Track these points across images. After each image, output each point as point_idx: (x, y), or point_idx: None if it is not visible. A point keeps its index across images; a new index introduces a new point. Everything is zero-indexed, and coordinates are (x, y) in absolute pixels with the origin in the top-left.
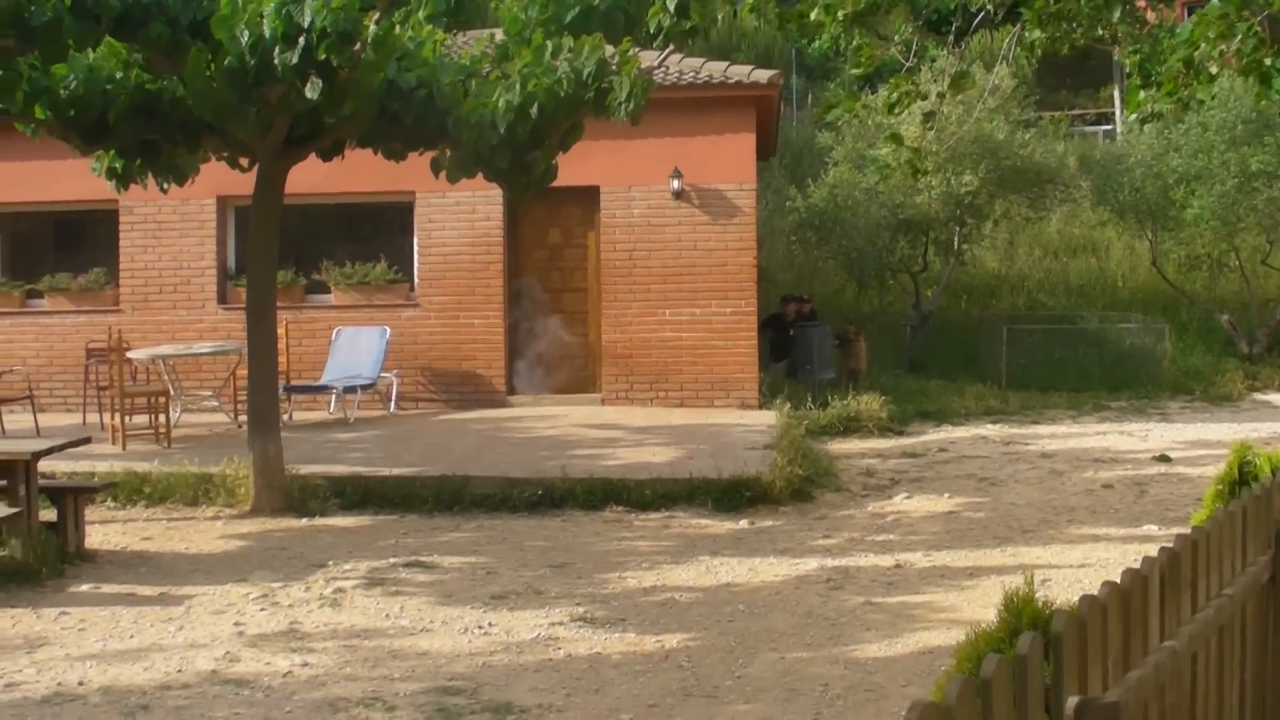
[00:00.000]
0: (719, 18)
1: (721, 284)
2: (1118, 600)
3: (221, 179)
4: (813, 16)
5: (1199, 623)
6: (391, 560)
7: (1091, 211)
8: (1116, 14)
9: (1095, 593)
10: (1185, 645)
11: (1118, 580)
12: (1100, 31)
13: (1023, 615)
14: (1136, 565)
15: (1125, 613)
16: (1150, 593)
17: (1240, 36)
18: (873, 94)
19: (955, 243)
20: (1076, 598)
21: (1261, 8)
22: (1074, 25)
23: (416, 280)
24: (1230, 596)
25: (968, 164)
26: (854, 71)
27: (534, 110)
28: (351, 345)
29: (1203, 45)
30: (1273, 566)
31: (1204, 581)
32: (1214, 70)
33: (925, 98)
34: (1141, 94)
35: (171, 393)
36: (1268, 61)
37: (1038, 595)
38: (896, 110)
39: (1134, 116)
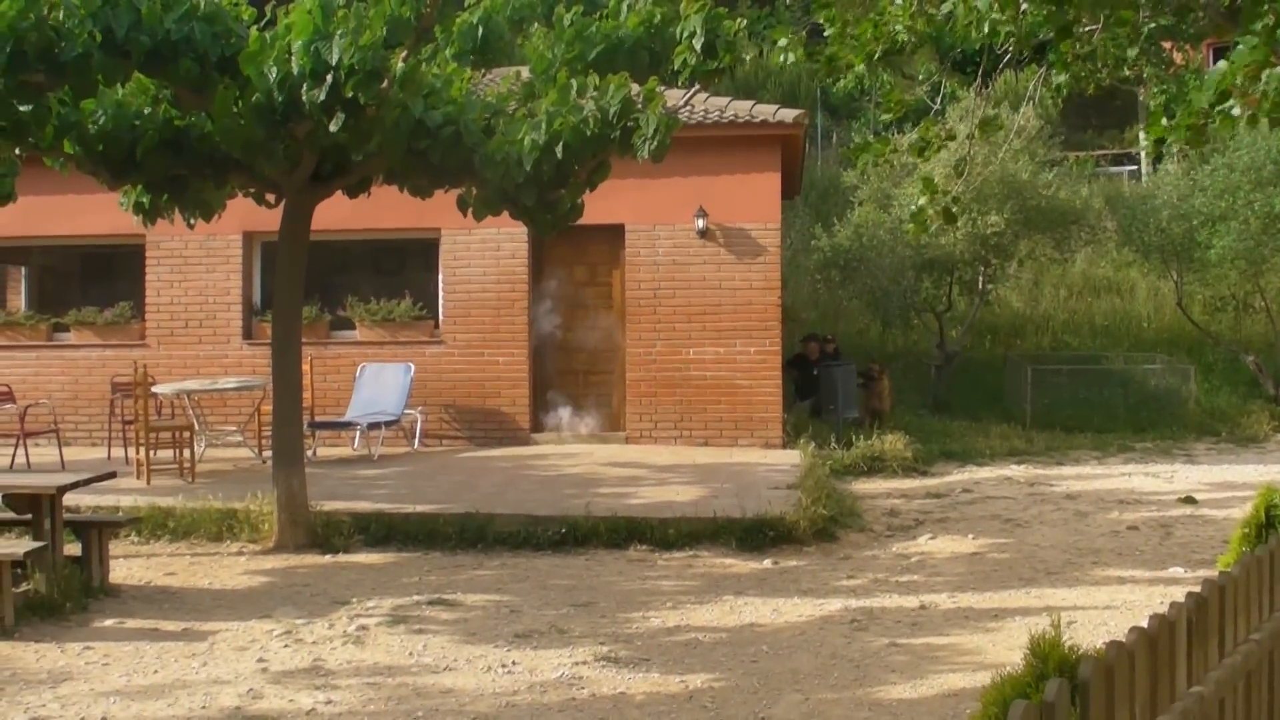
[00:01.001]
0: (746, 59)
1: (746, 323)
2: (1145, 646)
3: (248, 214)
4: (842, 56)
5: (1227, 669)
6: (415, 598)
7: (1116, 252)
8: (1134, 52)
9: (1122, 638)
10: (1213, 691)
11: (1145, 625)
12: (1126, 72)
13: (1049, 660)
14: (1163, 609)
15: (1153, 658)
16: (1178, 638)
17: (1265, 81)
18: (899, 134)
19: (980, 283)
20: (1103, 641)
21: None
22: (1100, 65)
23: (441, 317)
24: (1258, 642)
25: (993, 204)
26: (884, 117)
27: (560, 148)
28: (376, 381)
29: (1234, 82)
30: None
31: (1231, 627)
32: (1236, 111)
33: (953, 139)
34: (1164, 122)
35: (196, 427)
36: None
37: (1064, 639)
38: (926, 155)
39: (1149, 142)
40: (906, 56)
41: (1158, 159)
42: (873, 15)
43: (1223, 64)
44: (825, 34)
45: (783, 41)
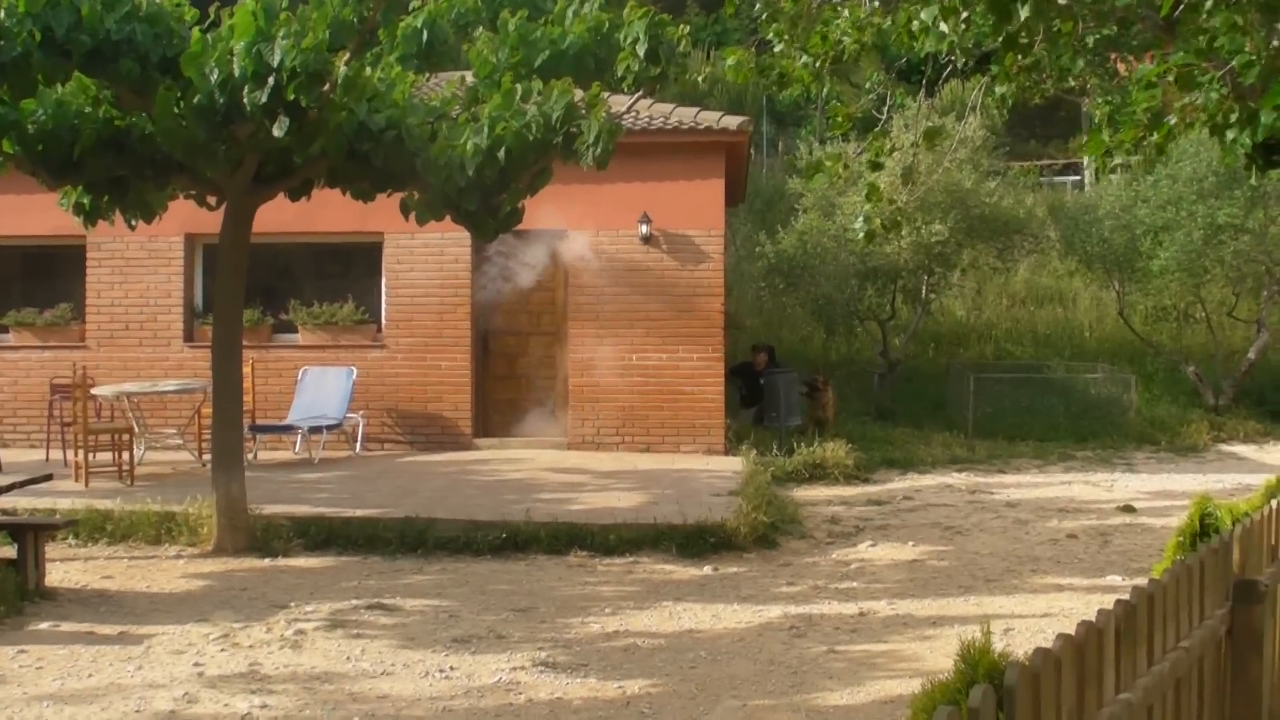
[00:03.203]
0: (699, 79)
1: (689, 329)
2: (1072, 653)
3: (190, 216)
4: (791, 70)
5: (1155, 676)
6: (354, 602)
7: (1059, 261)
8: (1080, 63)
9: (1049, 645)
10: (1141, 699)
11: (1072, 633)
12: (1070, 82)
13: (979, 666)
14: (1094, 618)
15: (1080, 665)
16: (1106, 645)
17: (1203, 90)
18: (844, 142)
19: (923, 291)
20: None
21: (1224, 61)
22: (1044, 76)
23: (384, 321)
24: (1187, 649)
25: (937, 213)
26: (832, 132)
27: (502, 153)
28: (318, 385)
29: (1164, 95)
30: (1230, 620)
31: (1161, 634)
32: (1172, 120)
33: (896, 150)
34: (1105, 135)
35: (136, 430)
36: (1230, 118)
37: (999, 646)
38: (877, 166)
39: (1096, 160)
40: (852, 64)
41: (1108, 170)
42: (819, 28)
43: (1154, 66)
44: (775, 46)
45: (732, 60)
